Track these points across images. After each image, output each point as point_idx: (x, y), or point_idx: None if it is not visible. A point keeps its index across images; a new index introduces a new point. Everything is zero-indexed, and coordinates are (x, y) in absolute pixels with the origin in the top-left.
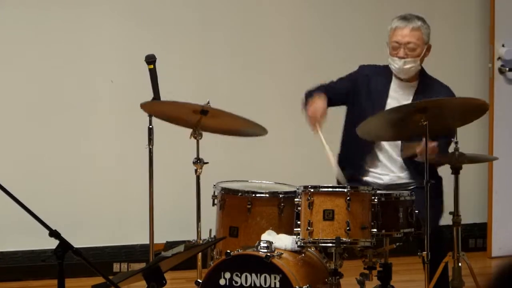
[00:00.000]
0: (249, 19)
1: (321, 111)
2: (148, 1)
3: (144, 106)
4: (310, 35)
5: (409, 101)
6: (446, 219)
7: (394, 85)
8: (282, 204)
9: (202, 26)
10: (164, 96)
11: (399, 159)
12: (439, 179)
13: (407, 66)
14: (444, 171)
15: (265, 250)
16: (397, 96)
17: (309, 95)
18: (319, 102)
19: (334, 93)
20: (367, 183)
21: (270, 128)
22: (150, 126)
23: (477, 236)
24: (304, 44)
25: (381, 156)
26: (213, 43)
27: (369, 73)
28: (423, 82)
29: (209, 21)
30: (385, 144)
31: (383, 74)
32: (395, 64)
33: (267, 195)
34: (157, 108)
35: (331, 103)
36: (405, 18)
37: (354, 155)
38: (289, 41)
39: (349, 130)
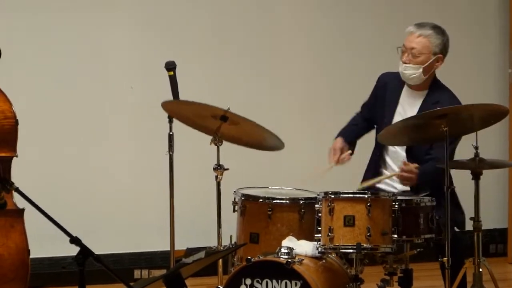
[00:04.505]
0: (265, 27)
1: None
2: (167, 9)
3: (165, 105)
4: (326, 42)
5: (416, 110)
6: (466, 225)
7: (405, 92)
8: (302, 210)
9: (219, 33)
10: None
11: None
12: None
13: (407, 71)
14: (464, 176)
15: (286, 256)
16: (406, 104)
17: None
18: (338, 142)
19: (367, 111)
20: (384, 191)
21: (289, 134)
22: (171, 133)
23: (498, 241)
24: (320, 51)
25: (391, 163)
26: (231, 51)
27: (387, 80)
28: (433, 93)
29: (226, 29)
30: (399, 150)
31: (397, 81)
32: (400, 68)
33: (287, 202)
34: (177, 109)
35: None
36: (419, 24)
37: (372, 164)
38: (305, 49)
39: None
